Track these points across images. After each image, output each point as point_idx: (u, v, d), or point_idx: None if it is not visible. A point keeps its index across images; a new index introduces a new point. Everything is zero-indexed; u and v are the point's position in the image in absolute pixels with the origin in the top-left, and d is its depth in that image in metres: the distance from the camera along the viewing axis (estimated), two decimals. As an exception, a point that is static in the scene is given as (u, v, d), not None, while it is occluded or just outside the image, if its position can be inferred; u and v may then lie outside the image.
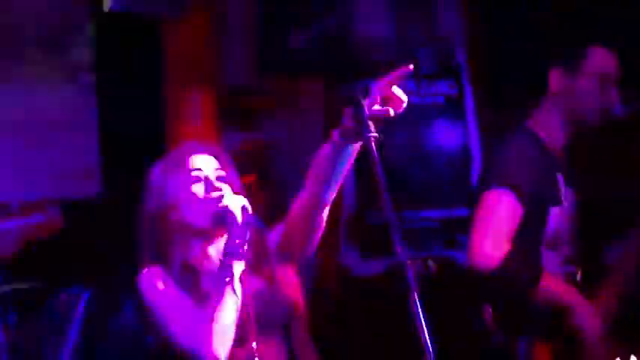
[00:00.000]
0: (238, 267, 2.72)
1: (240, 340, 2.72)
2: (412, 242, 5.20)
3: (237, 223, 2.74)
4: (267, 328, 2.81)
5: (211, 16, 4.98)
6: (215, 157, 3.05)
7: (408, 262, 2.20)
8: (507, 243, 3.25)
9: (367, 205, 5.27)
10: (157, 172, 3.05)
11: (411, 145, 5.46)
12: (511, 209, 3.28)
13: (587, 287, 3.45)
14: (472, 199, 3.40)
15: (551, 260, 3.45)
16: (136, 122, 5.18)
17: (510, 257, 3.23)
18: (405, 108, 2.43)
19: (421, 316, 2.13)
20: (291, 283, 3.30)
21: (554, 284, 3.37)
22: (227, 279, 2.70)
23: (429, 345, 2.11)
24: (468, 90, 5.57)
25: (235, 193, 2.90)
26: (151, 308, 2.88)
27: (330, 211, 2.92)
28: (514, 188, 3.28)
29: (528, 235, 3.37)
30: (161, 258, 2.96)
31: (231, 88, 5.30)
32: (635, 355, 3.54)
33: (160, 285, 2.88)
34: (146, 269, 2.94)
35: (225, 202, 2.80)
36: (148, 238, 3.02)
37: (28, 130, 5.07)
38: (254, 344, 2.79)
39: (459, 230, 5.14)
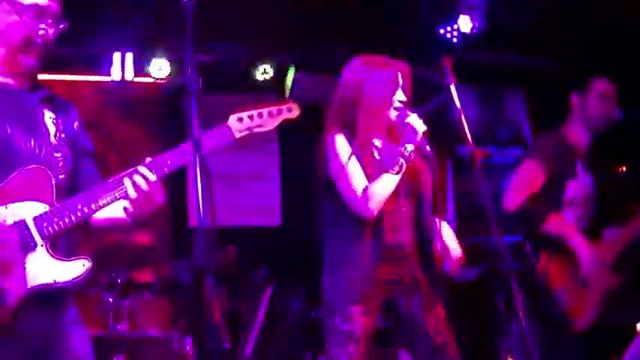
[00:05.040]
0: (403, 164, 3.50)
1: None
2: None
3: (416, 139, 3.51)
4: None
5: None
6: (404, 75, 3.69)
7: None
8: (524, 195, 4.33)
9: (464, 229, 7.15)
10: (358, 65, 3.69)
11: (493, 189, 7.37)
12: (533, 173, 4.49)
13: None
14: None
15: (567, 216, 4.53)
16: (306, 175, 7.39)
17: (528, 204, 4.34)
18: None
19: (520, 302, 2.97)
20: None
21: (557, 220, 4.43)
22: (396, 169, 3.49)
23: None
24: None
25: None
26: (333, 162, 3.53)
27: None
28: (538, 161, 4.51)
29: (548, 195, 4.47)
30: (347, 128, 3.60)
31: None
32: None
33: (343, 148, 3.54)
34: (334, 134, 3.59)
35: (411, 119, 3.55)
36: (340, 111, 3.66)
37: (233, 179, 7.44)
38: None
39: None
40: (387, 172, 3.50)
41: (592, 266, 4.39)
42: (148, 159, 2.75)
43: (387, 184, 3.49)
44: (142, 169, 2.71)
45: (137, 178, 2.69)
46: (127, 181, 2.70)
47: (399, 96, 3.64)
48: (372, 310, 3.50)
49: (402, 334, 3.61)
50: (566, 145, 4.64)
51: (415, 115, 3.56)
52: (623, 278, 4.49)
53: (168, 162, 2.74)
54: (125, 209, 2.76)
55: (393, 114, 3.62)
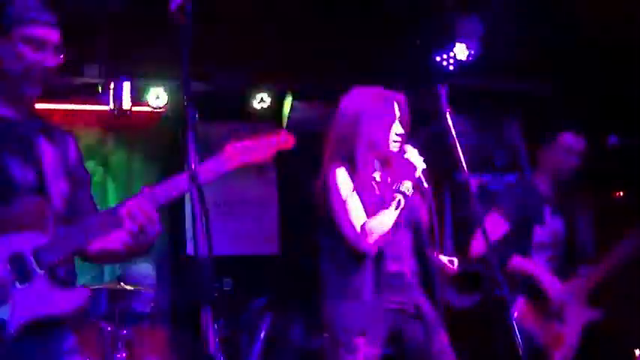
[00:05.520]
0: (401, 200, 3.49)
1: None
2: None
3: (414, 175, 3.51)
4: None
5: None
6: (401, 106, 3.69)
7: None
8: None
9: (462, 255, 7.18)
10: (356, 97, 3.68)
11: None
12: (496, 225, 4.59)
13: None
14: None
15: (538, 259, 4.68)
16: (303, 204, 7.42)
17: (491, 249, 4.17)
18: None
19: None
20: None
21: (521, 260, 4.55)
22: (394, 205, 3.49)
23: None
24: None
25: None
26: (333, 197, 3.52)
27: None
28: (502, 212, 4.68)
29: (514, 240, 4.62)
30: (347, 161, 3.59)
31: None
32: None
33: (344, 182, 3.54)
34: (334, 167, 3.57)
35: (410, 155, 3.54)
36: (338, 144, 3.63)
37: (230, 207, 7.43)
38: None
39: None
40: (385, 208, 3.50)
41: (560, 296, 4.49)
42: (145, 189, 2.74)
43: (385, 219, 3.49)
44: (138, 199, 2.71)
45: (133, 209, 2.68)
46: (122, 212, 2.69)
47: (397, 129, 3.63)
48: (376, 339, 3.49)
49: None
50: (532, 193, 4.77)
51: (415, 151, 3.55)
52: (606, 312, 4.59)
53: (164, 193, 2.73)
54: (121, 240, 2.76)
55: (392, 148, 3.61)
